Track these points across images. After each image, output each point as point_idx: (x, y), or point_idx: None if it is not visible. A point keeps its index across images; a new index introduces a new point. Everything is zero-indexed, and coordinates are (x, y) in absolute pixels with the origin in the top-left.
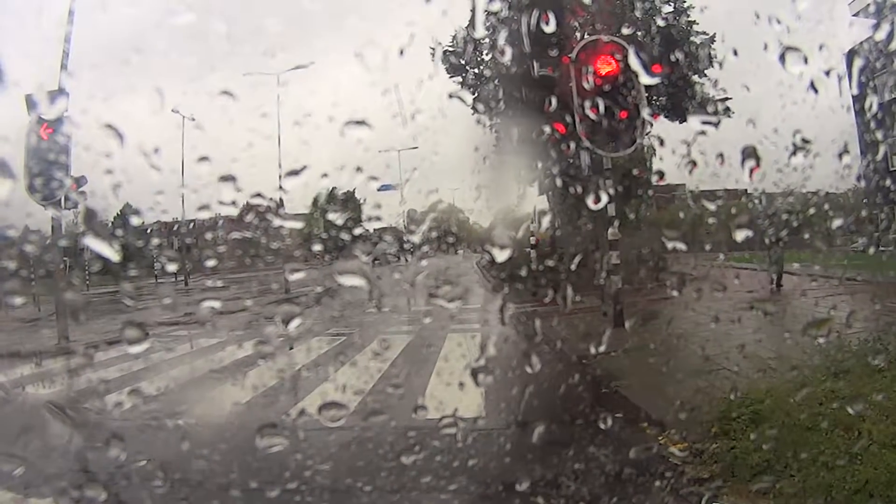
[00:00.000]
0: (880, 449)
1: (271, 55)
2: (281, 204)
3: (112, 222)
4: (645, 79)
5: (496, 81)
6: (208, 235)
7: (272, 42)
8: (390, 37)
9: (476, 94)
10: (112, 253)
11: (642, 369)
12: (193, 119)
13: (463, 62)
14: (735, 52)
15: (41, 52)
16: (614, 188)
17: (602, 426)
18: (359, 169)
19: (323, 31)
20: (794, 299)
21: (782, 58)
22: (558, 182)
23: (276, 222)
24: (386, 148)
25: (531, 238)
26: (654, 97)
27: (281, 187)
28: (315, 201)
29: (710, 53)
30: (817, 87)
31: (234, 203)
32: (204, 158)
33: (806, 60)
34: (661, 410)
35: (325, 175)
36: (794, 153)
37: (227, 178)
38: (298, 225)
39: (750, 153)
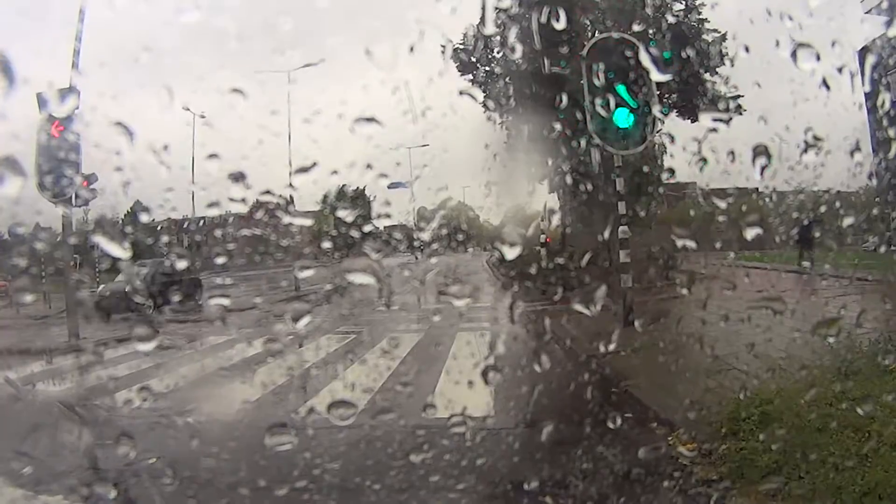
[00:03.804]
0: None
1: (280, 53)
2: (291, 201)
3: (122, 220)
4: (656, 75)
5: (507, 79)
6: (218, 233)
7: (281, 40)
8: (400, 34)
9: (486, 92)
10: (121, 251)
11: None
12: (204, 116)
13: (474, 59)
14: (746, 49)
15: (50, 50)
16: (625, 186)
17: (611, 426)
18: (369, 166)
19: (333, 29)
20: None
21: (794, 55)
22: (568, 179)
23: (286, 219)
24: (396, 145)
25: (542, 236)
26: (666, 95)
27: (290, 185)
28: (325, 198)
29: (721, 51)
30: (829, 84)
31: (243, 200)
32: (213, 156)
33: (818, 57)
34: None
35: (335, 172)
36: (805, 150)
37: (237, 176)
38: (308, 222)
39: (761, 151)
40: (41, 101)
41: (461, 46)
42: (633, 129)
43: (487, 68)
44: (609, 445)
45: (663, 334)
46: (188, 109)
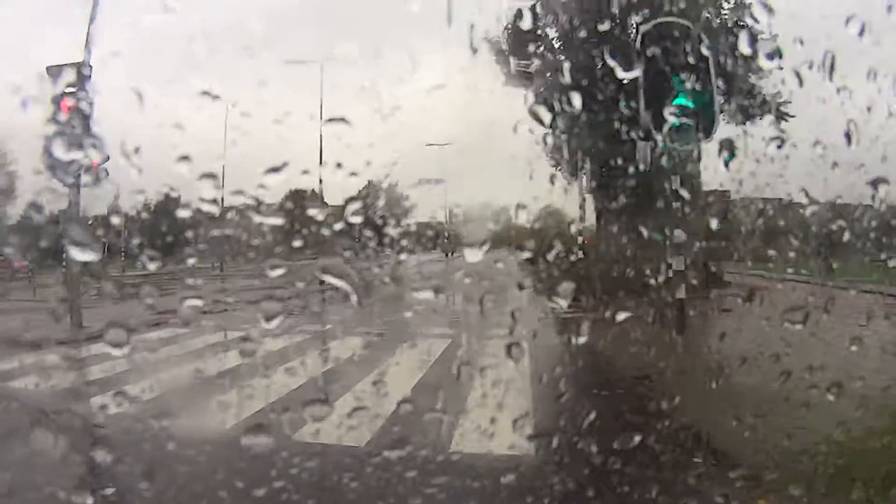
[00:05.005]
0: None
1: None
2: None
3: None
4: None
5: (550, 73)
6: (241, 229)
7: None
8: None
9: (531, 87)
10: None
11: (712, 394)
12: (234, 105)
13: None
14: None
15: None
16: (680, 186)
17: (679, 474)
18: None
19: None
20: None
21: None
22: (612, 178)
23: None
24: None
25: (580, 238)
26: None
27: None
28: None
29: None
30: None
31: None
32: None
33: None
34: (750, 455)
35: (364, 164)
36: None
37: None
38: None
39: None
40: (52, 76)
41: (499, 40)
42: (693, 125)
43: (531, 62)
44: (673, 496)
45: (724, 351)
46: (217, 97)
